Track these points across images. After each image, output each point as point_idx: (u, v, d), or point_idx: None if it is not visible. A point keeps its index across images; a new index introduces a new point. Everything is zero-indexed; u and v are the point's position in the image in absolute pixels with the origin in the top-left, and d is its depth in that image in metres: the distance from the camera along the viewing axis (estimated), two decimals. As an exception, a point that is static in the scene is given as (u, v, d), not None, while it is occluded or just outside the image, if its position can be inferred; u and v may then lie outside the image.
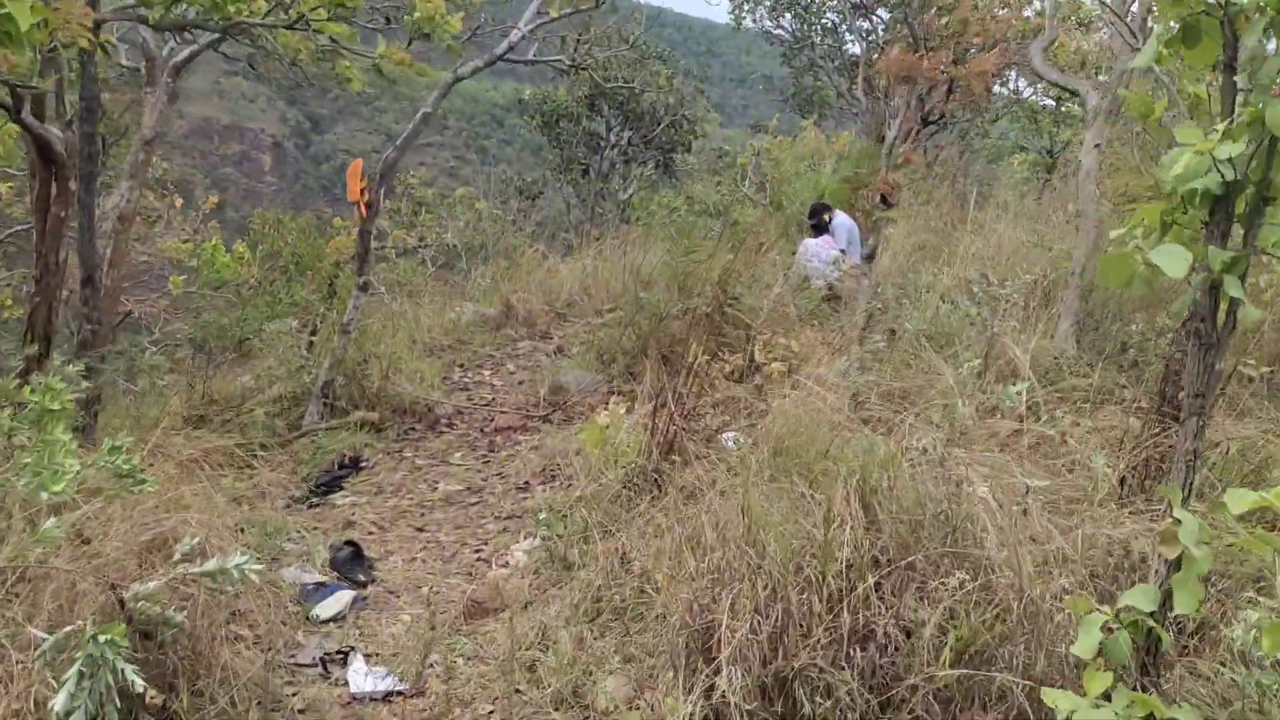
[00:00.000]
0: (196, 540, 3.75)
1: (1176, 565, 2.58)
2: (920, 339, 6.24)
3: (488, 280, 11.81)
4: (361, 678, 4.17)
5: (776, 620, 3.05)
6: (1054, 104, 16.29)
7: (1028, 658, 2.92)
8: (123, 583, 3.89)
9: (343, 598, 4.87)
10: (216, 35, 7.10)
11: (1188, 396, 2.64)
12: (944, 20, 6.18)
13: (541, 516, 5.12)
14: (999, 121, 17.55)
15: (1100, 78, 10.21)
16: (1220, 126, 2.47)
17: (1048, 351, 6.36)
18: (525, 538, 5.63)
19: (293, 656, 4.38)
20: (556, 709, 3.60)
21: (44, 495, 3.34)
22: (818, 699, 3.02)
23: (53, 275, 6.99)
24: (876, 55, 16.41)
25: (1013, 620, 2.94)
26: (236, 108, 69.19)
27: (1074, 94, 7.93)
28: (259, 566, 3.73)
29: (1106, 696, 2.50)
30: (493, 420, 7.84)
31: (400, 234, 14.16)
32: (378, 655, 4.42)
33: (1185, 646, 3.18)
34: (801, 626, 3.07)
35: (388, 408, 7.87)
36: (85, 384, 6.14)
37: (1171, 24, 2.68)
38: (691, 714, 3.12)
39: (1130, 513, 3.61)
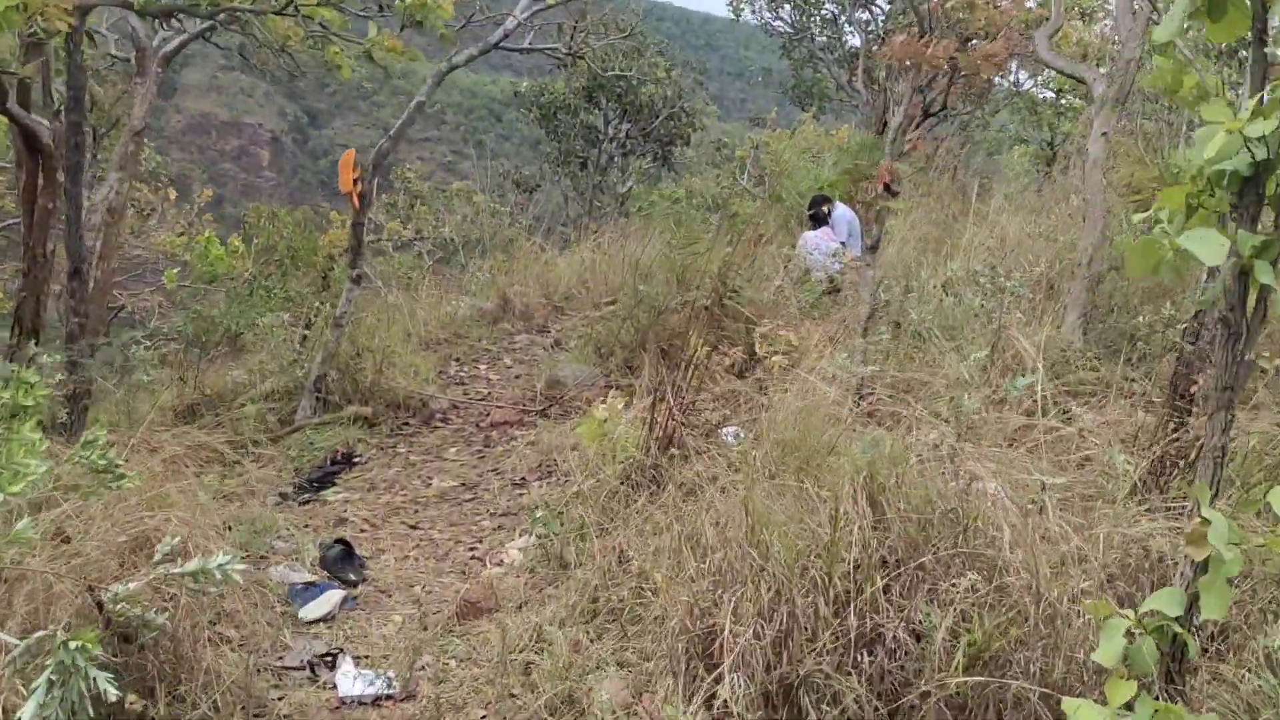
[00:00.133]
0: (177, 540, 3.61)
1: (1203, 567, 2.45)
2: (925, 332, 6.10)
3: (485, 274, 11.67)
4: (350, 681, 4.03)
5: (781, 624, 2.92)
6: (1054, 95, 16.18)
7: (1045, 664, 2.78)
8: (102, 584, 3.76)
9: (332, 597, 4.74)
10: (206, 24, 6.98)
11: (1215, 389, 2.50)
12: (949, 4, 6.04)
13: (538, 514, 4.98)
14: (999, 113, 17.41)
15: (1102, 70, 10.08)
16: (1250, 103, 2.34)
17: (1054, 344, 6.23)
18: (521, 535, 5.50)
19: (280, 659, 4.25)
20: (551, 715, 3.47)
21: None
22: (824, 707, 2.89)
23: (40, 268, 6.86)
24: (876, 47, 16.32)
25: (1029, 624, 2.80)
26: (234, 102, 69.00)
27: (1080, 81, 7.77)
28: (242, 567, 3.59)
29: (1129, 706, 2.37)
30: (488, 415, 7.71)
31: (395, 226, 14.02)
32: (368, 657, 4.29)
33: (1206, 650, 3.05)
34: (806, 630, 2.94)
35: (381, 402, 7.73)
36: (64, 377, 6.04)
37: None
38: (692, 721, 2.99)
39: (1147, 511, 3.47)
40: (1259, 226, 2.44)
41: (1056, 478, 3.14)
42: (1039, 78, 16.27)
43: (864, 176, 11.00)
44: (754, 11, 18.07)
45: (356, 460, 7.03)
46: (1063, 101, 15.85)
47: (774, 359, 6.01)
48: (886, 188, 5.74)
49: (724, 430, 5.84)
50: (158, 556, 3.66)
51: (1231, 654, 2.97)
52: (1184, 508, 3.72)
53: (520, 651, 4.01)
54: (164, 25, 6.30)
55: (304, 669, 4.20)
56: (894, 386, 5.72)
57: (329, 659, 4.26)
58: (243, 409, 7.45)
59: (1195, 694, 2.74)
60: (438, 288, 11.13)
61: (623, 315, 8.18)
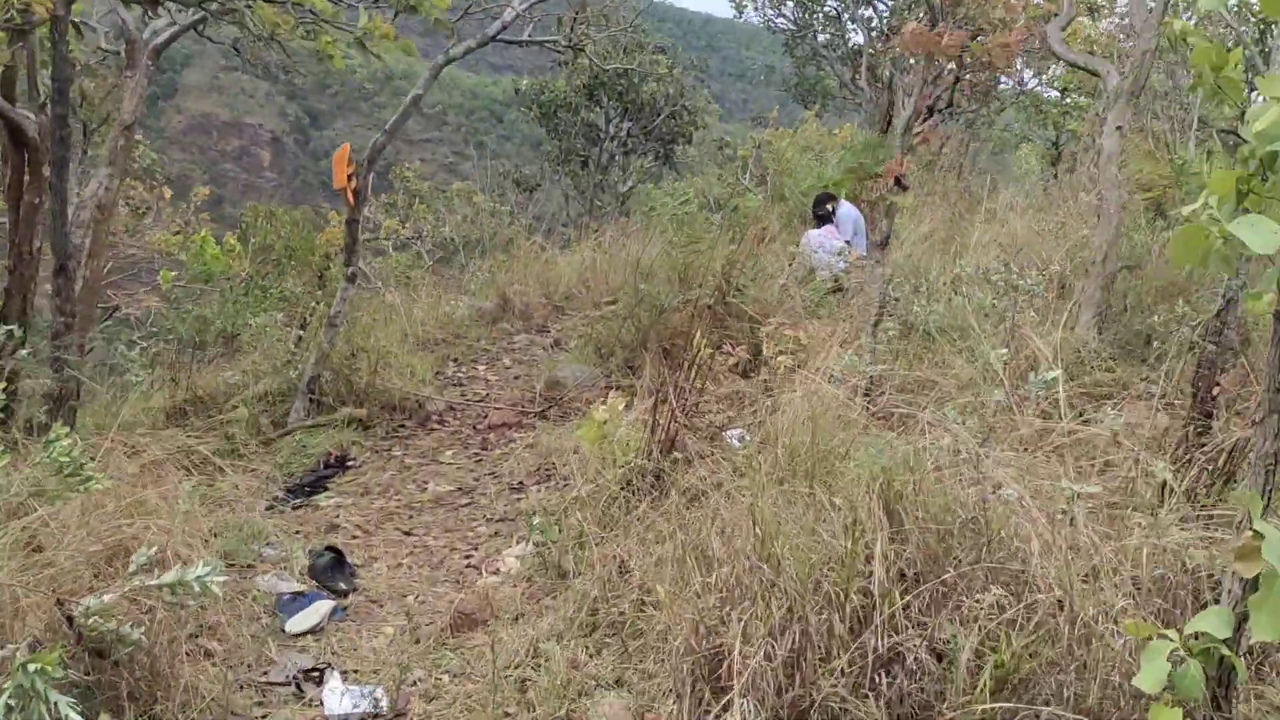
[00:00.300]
0: (154, 550, 3.43)
1: (1253, 585, 2.26)
2: (935, 331, 5.91)
3: (484, 273, 11.48)
4: (338, 698, 3.84)
5: (793, 643, 2.72)
6: (1059, 94, 16.01)
7: (1080, 688, 2.58)
8: (75, 596, 3.57)
9: (321, 608, 4.54)
10: (198, 16, 6.79)
11: (1267, 390, 2.31)
12: (961, -7, 5.89)
13: (535, 521, 4.79)
14: (1005, 112, 17.24)
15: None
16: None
17: (1068, 344, 6.04)
18: (518, 542, 5.31)
19: (264, 674, 4.05)
20: (548, 736, 3.28)
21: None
22: (839, 731, 2.70)
23: (27, 265, 6.69)
24: (880, 44, 16.13)
25: (1062, 645, 2.61)
26: (235, 103, 68.96)
27: (1093, 74, 7.58)
28: (222, 579, 3.40)
29: (1173, 735, 2.18)
30: (486, 417, 7.52)
31: (393, 224, 13.84)
32: (357, 672, 4.09)
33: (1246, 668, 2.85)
34: (820, 650, 2.74)
35: (377, 404, 7.53)
36: (49, 377, 5.85)
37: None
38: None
39: (1180, 520, 3.27)
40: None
41: (1091, 486, 2.93)
42: (1044, 76, 16.11)
43: (869, 175, 10.81)
44: (757, 9, 17.89)
45: (350, 464, 6.84)
46: (1067, 100, 15.68)
47: (780, 359, 5.82)
48: (898, 181, 5.54)
49: (729, 432, 5.65)
50: (133, 567, 3.48)
51: (1276, 675, 2.77)
52: (1214, 515, 3.53)
53: (516, 667, 3.81)
54: (151, 14, 6.10)
55: (289, 685, 4.00)
56: (903, 387, 5.53)
57: (316, 674, 4.06)
58: (235, 411, 7.27)
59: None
60: (437, 287, 10.94)
61: (623, 315, 7.99)
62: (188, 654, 3.82)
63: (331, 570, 4.96)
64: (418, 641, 4.28)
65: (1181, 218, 7.22)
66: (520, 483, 6.25)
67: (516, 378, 8.38)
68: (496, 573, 4.99)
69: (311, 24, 5.26)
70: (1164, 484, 3.68)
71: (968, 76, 8.00)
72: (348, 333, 7.82)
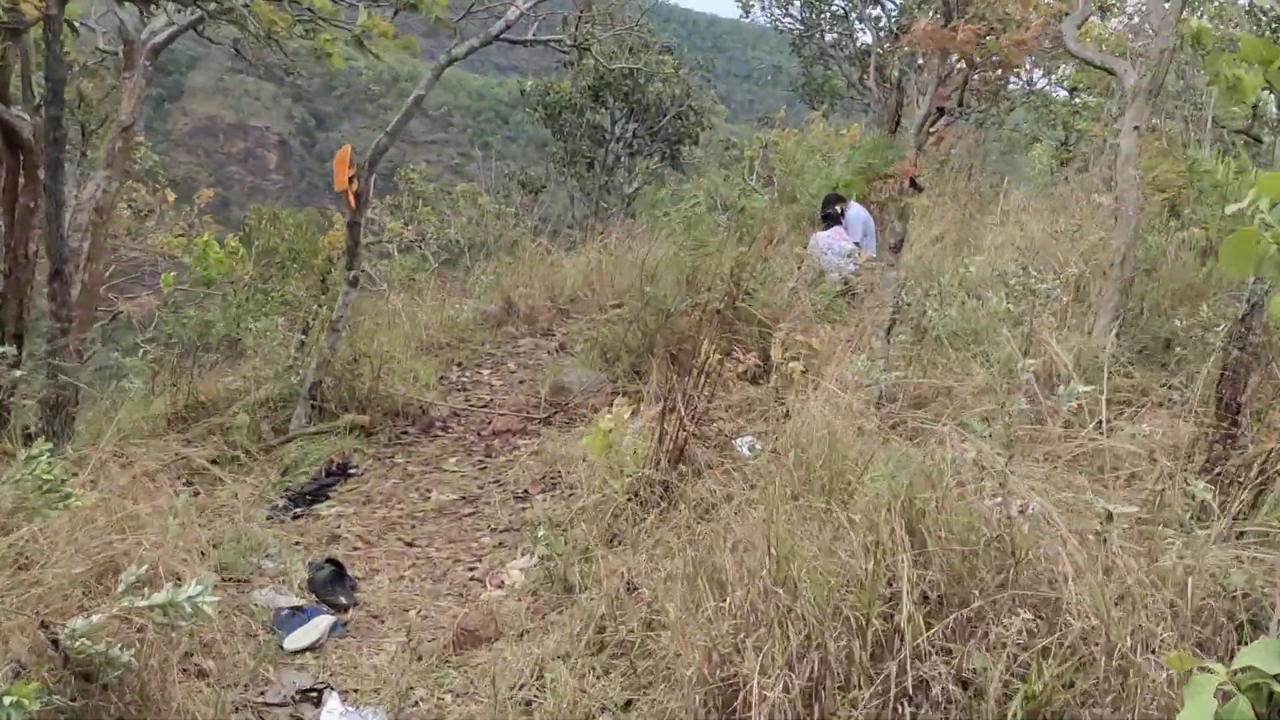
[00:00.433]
0: (144, 569, 3.30)
1: (1306, 614, 2.11)
2: (950, 336, 5.76)
3: (489, 276, 11.35)
4: (336, 719, 3.71)
5: (811, 672, 2.58)
6: (1067, 94, 15.86)
7: (1117, 722, 2.44)
8: (65, 615, 3.44)
9: (320, 624, 4.41)
10: (195, 15, 6.67)
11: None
12: (976, -11, 5.76)
13: (540, 534, 4.65)
14: (1014, 111, 17.09)
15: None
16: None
17: (1086, 349, 5.89)
18: (523, 554, 5.17)
19: (261, 694, 3.92)
20: (554, 762, 3.14)
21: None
22: (860, 764, 2.56)
23: (23, 269, 6.57)
24: (889, 44, 15.98)
25: (1097, 676, 2.46)
26: (241, 105, 69.04)
27: (1109, 73, 7.43)
28: (214, 599, 3.27)
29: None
30: (490, 423, 7.38)
31: (396, 227, 13.72)
32: (357, 691, 3.96)
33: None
34: (839, 678, 2.60)
35: (379, 410, 7.39)
36: (44, 384, 5.73)
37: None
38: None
39: (1216, 538, 3.11)
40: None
41: (1123, 505, 2.78)
42: (1053, 76, 15.96)
43: (878, 175, 10.67)
44: (764, 8, 17.74)
45: (352, 471, 6.71)
46: (1076, 100, 15.53)
47: (791, 365, 5.68)
48: (912, 182, 5.40)
49: (739, 440, 5.52)
50: (122, 587, 3.35)
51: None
52: (1244, 531, 3.38)
53: (521, 688, 3.68)
54: (146, 13, 5.98)
55: (287, 705, 3.87)
56: (917, 395, 5.39)
57: (314, 694, 3.93)
58: (235, 418, 7.14)
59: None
60: (441, 290, 10.81)
61: (630, 318, 7.85)
62: (182, 672, 3.70)
63: (332, 584, 4.83)
64: (420, 659, 4.15)
65: (1215, 224, 7.06)
66: (525, 491, 6.11)
67: (521, 382, 8.25)
68: (501, 586, 4.86)
69: (309, 22, 5.13)
70: (1201, 501, 3.53)
71: (978, 75, 7.86)
72: (350, 337, 7.70)
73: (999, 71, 9.92)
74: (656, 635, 3.48)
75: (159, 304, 11.38)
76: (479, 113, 71.31)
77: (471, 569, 5.19)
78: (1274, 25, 9.70)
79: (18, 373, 4.85)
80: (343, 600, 4.76)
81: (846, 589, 2.78)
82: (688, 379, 5.28)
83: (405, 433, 7.30)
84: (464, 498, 6.21)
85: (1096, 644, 2.49)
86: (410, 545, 5.57)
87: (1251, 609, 2.80)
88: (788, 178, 13.78)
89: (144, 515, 3.97)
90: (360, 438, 7.10)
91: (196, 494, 5.64)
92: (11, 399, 4.97)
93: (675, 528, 4.07)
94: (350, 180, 7.06)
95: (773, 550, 2.88)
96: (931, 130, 5.69)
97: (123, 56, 7.23)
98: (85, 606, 3.54)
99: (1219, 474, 3.73)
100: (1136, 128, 6.64)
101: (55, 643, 3.16)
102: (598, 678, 3.56)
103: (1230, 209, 2.18)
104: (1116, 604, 2.60)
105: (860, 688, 2.59)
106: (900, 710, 2.57)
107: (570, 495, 5.61)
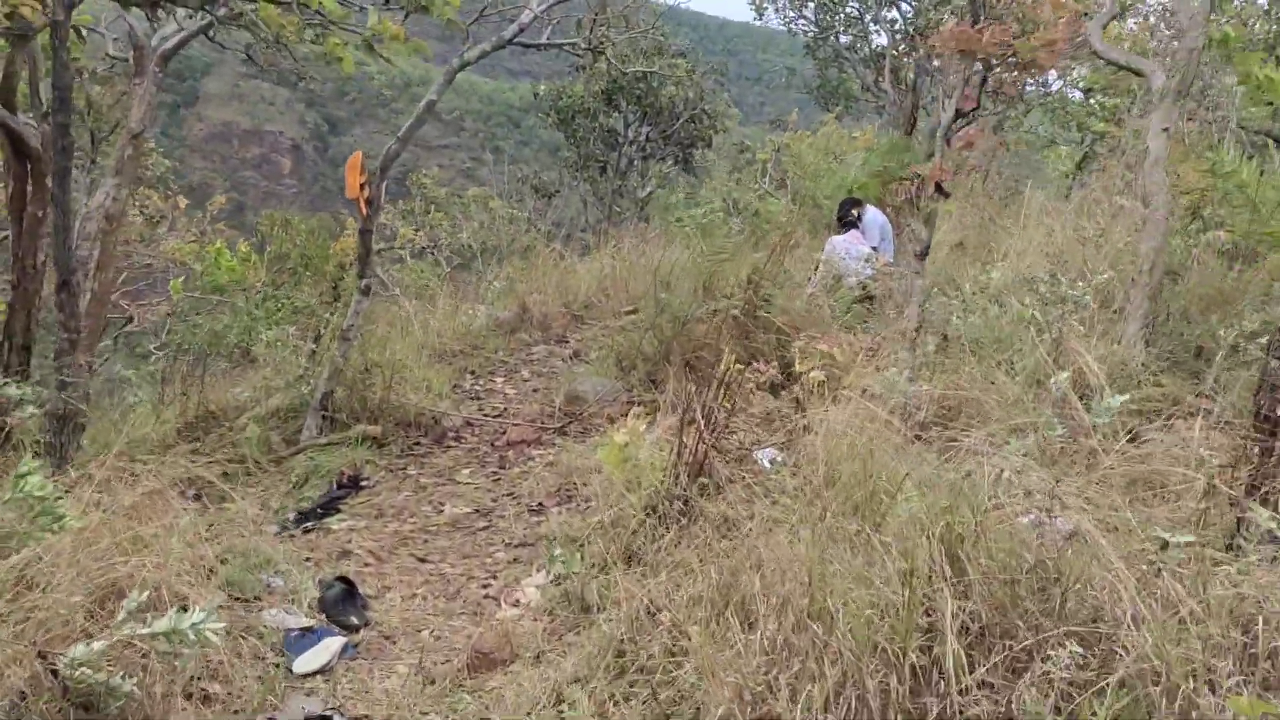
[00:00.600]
0: (146, 594, 3.18)
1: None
2: (976, 344, 5.61)
3: (502, 281, 11.24)
4: (346, 747, 3.58)
5: (848, 709, 2.43)
6: (1082, 95, 15.69)
7: (1177, 769, 2.28)
8: (65, 642, 3.33)
9: (331, 646, 4.28)
10: (205, 21, 6.57)
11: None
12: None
13: (556, 553, 4.51)
14: (1031, 113, 16.93)
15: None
16: None
17: (1115, 358, 5.73)
18: (538, 570, 5.03)
19: (269, 720, 3.79)
20: (573, 796, 3.00)
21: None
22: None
23: (31, 280, 6.50)
24: (904, 46, 15.82)
25: (1157, 718, 2.30)
26: (255, 111, 69.27)
27: (1137, 74, 7.26)
28: (219, 625, 3.15)
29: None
30: (505, 433, 7.24)
31: (408, 232, 13.62)
32: (367, 717, 3.83)
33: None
34: (877, 715, 2.45)
35: (391, 420, 7.27)
36: (52, 397, 5.63)
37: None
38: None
39: (1259, 562, 2.95)
40: None
41: (1185, 536, 2.62)
42: (1069, 77, 15.78)
43: (895, 178, 10.51)
44: (777, 10, 17.62)
45: (364, 484, 6.59)
46: (1093, 101, 15.35)
47: (813, 375, 5.53)
48: (938, 187, 5.25)
49: (760, 453, 5.37)
50: (122, 614, 3.23)
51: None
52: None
53: (538, 712, 3.54)
54: (152, 18, 5.88)
55: (295, 732, 3.74)
56: (944, 406, 5.23)
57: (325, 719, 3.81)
58: (245, 430, 7.03)
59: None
60: (454, 296, 10.69)
61: (645, 325, 7.70)
62: (187, 698, 3.58)
63: (343, 603, 4.71)
64: (433, 683, 4.02)
65: (1240, 226, 6.85)
66: (540, 504, 5.98)
67: (535, 391, 8.12)
68: (516, 604, 4.72)
69: (318, 26, 5.01)
70: (1239, 519, 3.37)
71: (1004, 77, 7.72)
72: (362, 346, 7.58)
73: (1018, 73, 9.75)
74: (679, 662, 3.34)
75: (169, 311, 11.32)
76: (490, 117, 71.37)
77: (486, 586, 5.05)
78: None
79: (15, 391, 4.73)
80: (354, 620, 4.62)
81: (882, 618, 2.63)
82: (706, 390, 5.14)
83: (418, 443, 7.18)
84: (478, 511, 6.08)
85: (1154, 682, 2.34)
86: (423, 561, 5.44)
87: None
88: (801, 180, 13.65)
89: (149, 535, 3.84)
90: (372, 449, 6.99)
91: (205, 509, 5.51)
92: (11, 415, 4.85)
93: (696, 546, 3.92)
94: (362, 187, 6.94)
95: (809, 581, 2.73)
96: (956, 133, 5.53)
97: (133, 62, 7.15)
98: (88, 631, 3.42)
99: (1266, 493, 3.57)
100: (1165, 130, 6.48)
101: (54, 672, 3.05)
102: (617, 705, 3.42)
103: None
104: (1176, 639, 2.44)
105: (899, 727, 2.45)
106: (942, 750, 2.42)
107: (586, 508, 5.47)
